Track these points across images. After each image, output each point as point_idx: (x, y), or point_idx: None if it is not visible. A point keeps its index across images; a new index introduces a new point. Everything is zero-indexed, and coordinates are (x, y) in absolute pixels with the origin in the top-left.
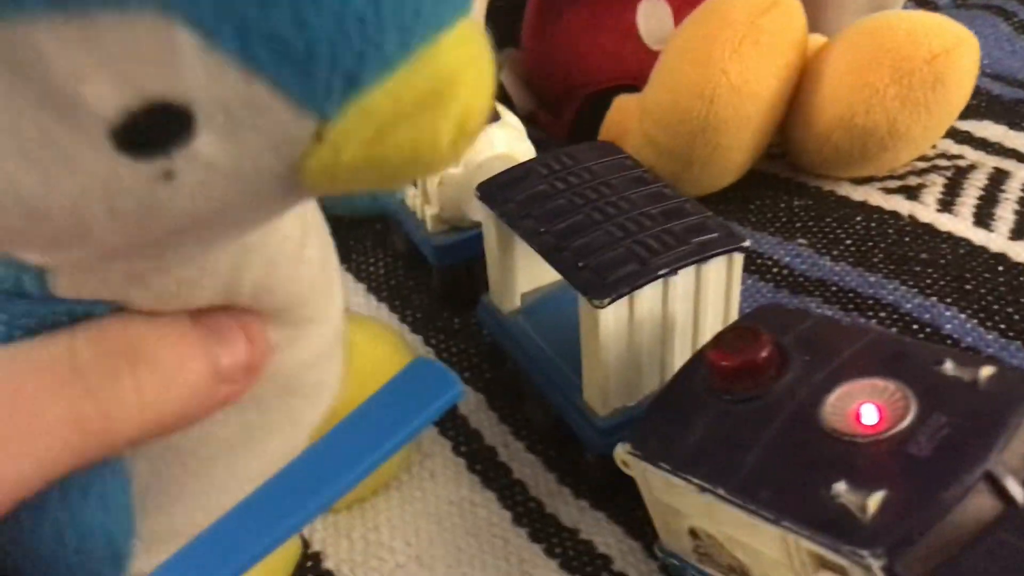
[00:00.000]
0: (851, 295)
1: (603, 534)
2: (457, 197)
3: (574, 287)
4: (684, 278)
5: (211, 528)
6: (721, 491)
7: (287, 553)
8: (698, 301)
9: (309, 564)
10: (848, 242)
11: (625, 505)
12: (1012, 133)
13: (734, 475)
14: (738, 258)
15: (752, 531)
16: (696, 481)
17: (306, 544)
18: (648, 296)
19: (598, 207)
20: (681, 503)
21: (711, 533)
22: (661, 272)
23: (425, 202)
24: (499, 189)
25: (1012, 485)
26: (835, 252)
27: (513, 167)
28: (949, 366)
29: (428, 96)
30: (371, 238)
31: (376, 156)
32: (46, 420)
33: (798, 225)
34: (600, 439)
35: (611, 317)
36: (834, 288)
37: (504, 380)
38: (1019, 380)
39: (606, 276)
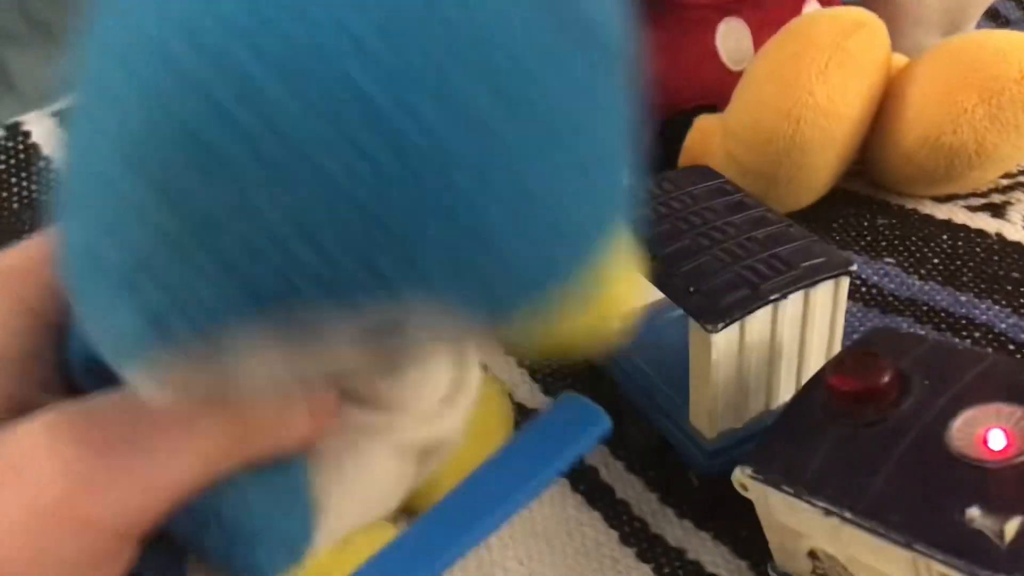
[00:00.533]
0: (943, 314)
1: (710, 554)
2: None
3: (686, 312)
4: (793, 302)
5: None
6: (848, 514)
7: None
8: (805, 325)
9: None
10: (935, 261)
11: (729, 525)
12: None
13: (861, 498)
14: (844, 282)
15: (880, 554)
16: (821, 504)
17: None
18: (758, 320)
19: (703, 232)
20: (802, 525)
21: (832, 554)
22: (773, 297)
23: None
24: None
25: None
26: (923, 271)
27: None
28: None
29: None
30: None
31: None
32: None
33: (883, 244)
34: (707, 461)
35: (722, 342)
36: (925, 307)
37: (601, 401)
38: None
39: (718, 301)
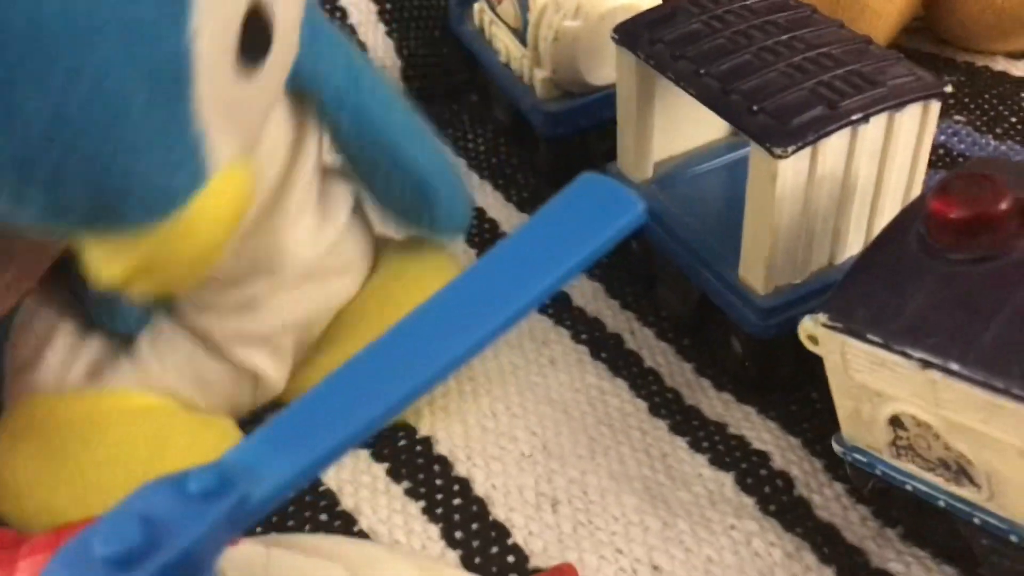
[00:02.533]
0: None
1: (756, 429)
2: (573, 56)
3: (747, 135)
4: (875, 127)
5: (351, 364)
6: (955, 366)
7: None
8: (885, 158)
9: (419, 448)
10: (1013, 119)
11: (777, 399)
12: None
13: (972, 347)
14: (934, 108)
15: (993, 415)
16: (919, 355)
17: (411, 429)
18: (834, 148)
19: (767, 47)
20: (889, 384)
21: (924, 420)
22: (854, 117)
23: (535, 64)
24: (644, 29)
25: None
26: (998, 130)
27: (655, 7)
28: None
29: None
30: (468, 112)
31: None
32: None
33: (951, 102)
34: (760, 321)
35: (790, 171)
36: None
37: (626, 266)
38: None
39: (788, 120)
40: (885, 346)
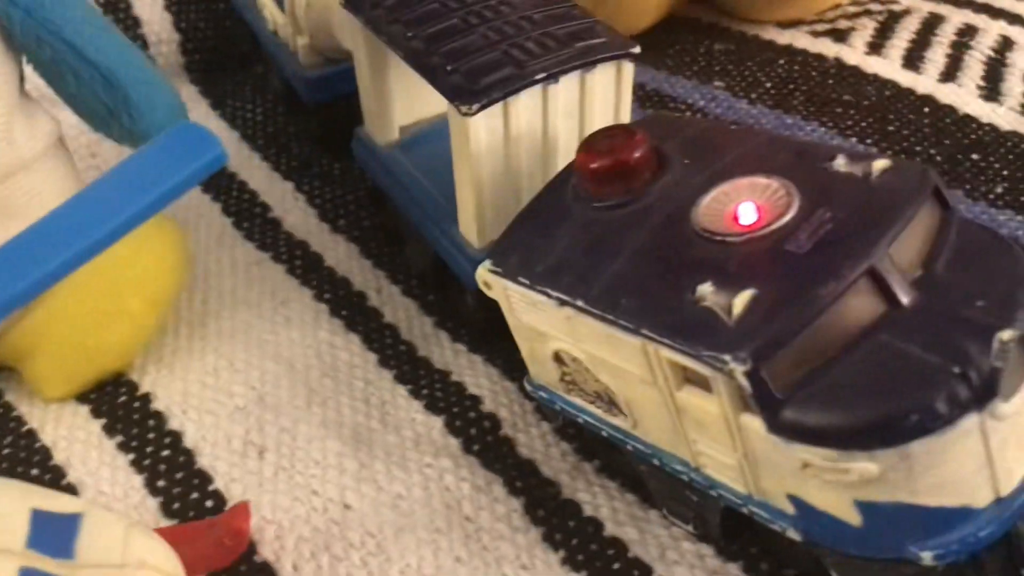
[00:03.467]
0: None
1: (477, 375)
2: (327, 21)
3: (441, 93)
4: (567, 87)
5: None
6: (580, 302)
7: None
8: (583, 116)
9: (137, 405)
10: (768, 85)
11: (505, 347)
12: None
13: (595, 284)
14: (628, 67)
15: (615, 346)
16: (555, 294)
17: (134, 386)
18: (526, 106)
19: (475, 11)
20: (544, 323)
21: (575, 355)
22: (539, 77)
23: (297, 32)
24: None
25: (897, 283)
26: (753, 95)
27: None
28: (841, 162)
29: None
30: (251, 82)
31: None
32: None
33: (717, 68)
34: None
35: (483, 129)
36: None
37: (386, 226)
38: (916, 173)
39: (477, 81)
40: (531, 287)
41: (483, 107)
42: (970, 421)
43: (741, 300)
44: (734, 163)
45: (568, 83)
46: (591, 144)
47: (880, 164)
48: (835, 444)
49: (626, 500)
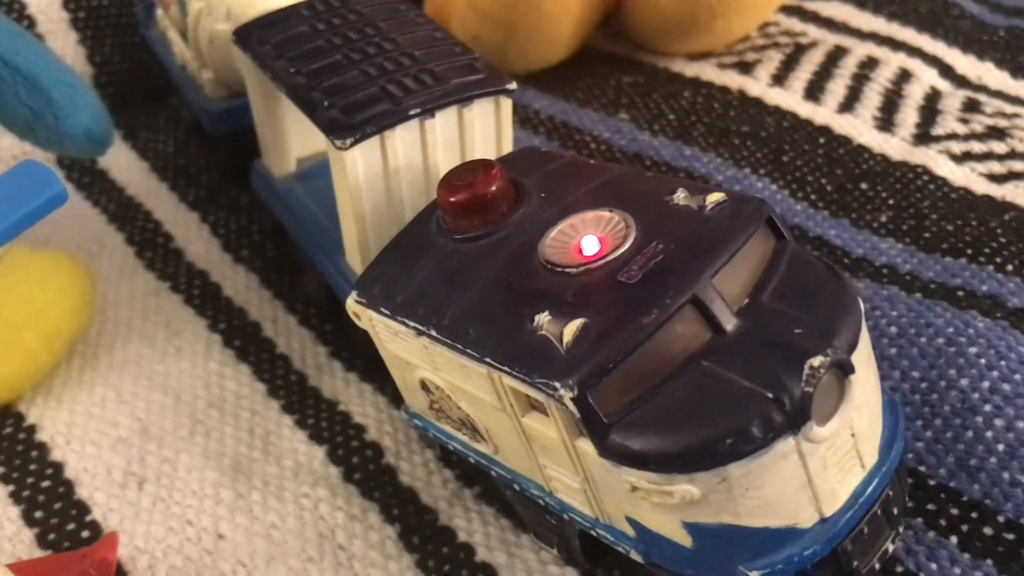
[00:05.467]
0: (663, 168)
1: (364, 404)
2: (228, 56)
3: (318, 128)
4: (444, 121)
5: None
6: (433, 332)
7: None
8: (464, 149)
9: (22, 436)
10: (671, 116)
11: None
12: (858, 12)
13: (447, 314)
14: (506, 103)
15: (467, 375)
16: (412, 324)
17: (21, 417)
18: (403, 140)
19: (358, 47)
20: (408, 352)
21: (438, 384)
22: (413, 112)
23: (201, 65)
24: (257, 31)
25: (721, 312)
26: (656, 127)
27: (276, 10)
28: (681, 195)
29: None
30: (165, 114)
31: None
32: None
33: (624, 101)
34: None
35: (360, 161)
36: (648, 162)
37: (289, 257)
38: (747, 206)
39: (353, 116)
40: (392, 317)
41: (357, 141)
42: (786, 444)
43: (570, 329)
44: (584, 197)
45: (445, 118)
46: (450, 178)
47: (714, 197)
48: (657, 468)
49: (500, 525)
